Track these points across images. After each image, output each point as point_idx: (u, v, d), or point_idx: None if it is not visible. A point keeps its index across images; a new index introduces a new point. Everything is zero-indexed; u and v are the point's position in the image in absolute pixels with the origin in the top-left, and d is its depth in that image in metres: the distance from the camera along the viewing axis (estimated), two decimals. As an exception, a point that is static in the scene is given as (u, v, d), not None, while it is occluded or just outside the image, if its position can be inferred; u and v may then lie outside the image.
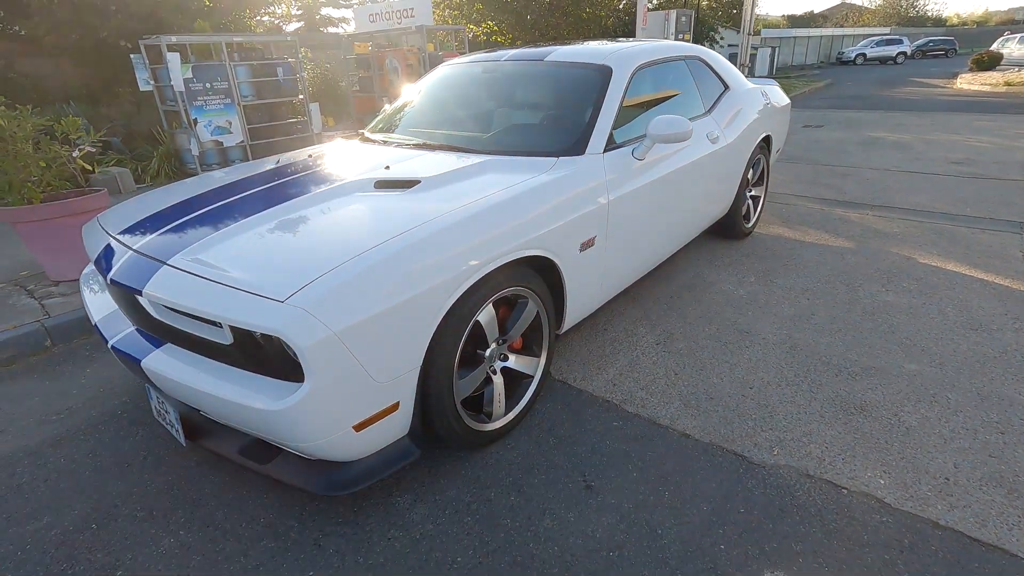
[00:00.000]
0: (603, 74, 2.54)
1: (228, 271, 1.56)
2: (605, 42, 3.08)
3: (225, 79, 6.34)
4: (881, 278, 3.37)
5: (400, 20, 6.74)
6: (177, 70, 5.79)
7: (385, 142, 2.66)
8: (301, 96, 7.24)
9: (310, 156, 2.54)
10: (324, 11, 15.89)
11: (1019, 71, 17.07)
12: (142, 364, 1.65)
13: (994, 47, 22.28)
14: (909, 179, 5.67)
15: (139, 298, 1.78)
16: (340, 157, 2.49)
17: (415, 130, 2.76)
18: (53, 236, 3.31)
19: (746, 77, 4.03)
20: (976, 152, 6.77)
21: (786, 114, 4.40)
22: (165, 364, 1.62)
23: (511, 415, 2.09)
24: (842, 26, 44.35)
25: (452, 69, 3.09)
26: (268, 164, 2.54)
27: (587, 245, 2.20)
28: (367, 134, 2.88)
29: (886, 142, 7.72)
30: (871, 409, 2.19)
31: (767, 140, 4.00)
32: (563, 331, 2.36)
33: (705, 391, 2.34)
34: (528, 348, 2.17)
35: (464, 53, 7.36)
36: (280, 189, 2.08)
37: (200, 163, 6.42)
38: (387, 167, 2.20)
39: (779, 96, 4.27)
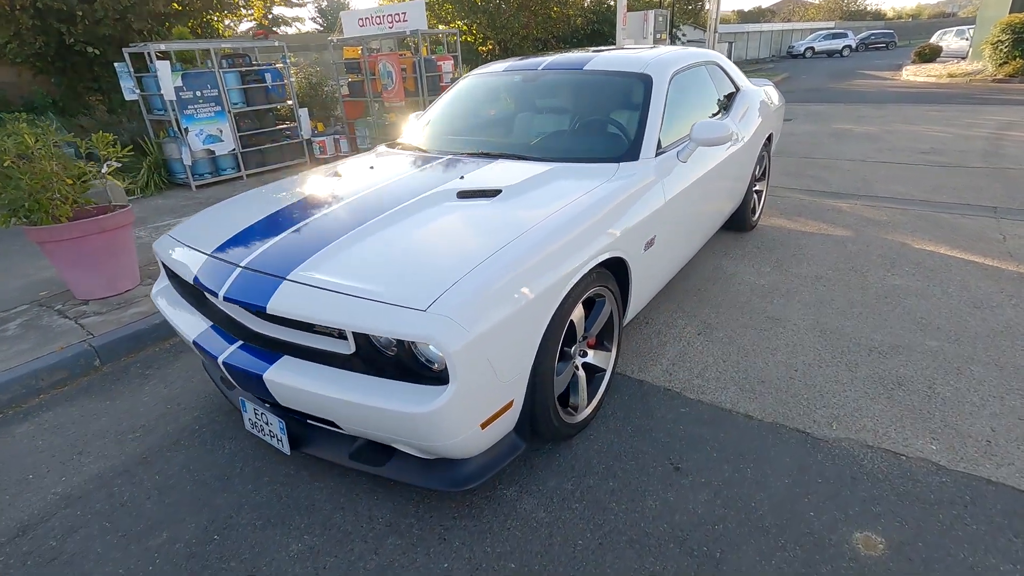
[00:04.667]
0: (645, 82, 2.69)
1: (354, 283, 1.63)
2: (635, 48, 3.23)
3: (215, 86, 6.22)
4: (884, 263, 3.65)
5: (392, 24, 6.75)
6: (168, 78, 5.66)
7: (441, 151, 2.74)
8: (289, 101, 7.15)
9: (372, 167, 2.60)
10: (277, 10, 15.45)
11: (958, 63, 18.17)
12: (264, 377, 1.71)
13: (933, 40, 23.64)
14: (885, 169, 6.06)
15: (246, 314, 1.84)
16: (404, 168, 2.56)
17: (466, 138, 2.86)
18: (83, 254, 3.25)
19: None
20: (939, 142, 7.26)
21: (781, 112, 4.66)
22: (291, 377, 1.68)
23: (590, 408, 2.22)
24: (790, 20, 46.21)
25: (489, 79, 3.18)
26: (330, 177, 2.59)
27: (649, 244, 2.35)
28: (415, 143, 2.94)
29: (855, 134, 8.18)
30: (908, 383, 2.41)
31: (769, 137, 4.25)
32: (623, 326, 2.50)
33: (755, 375, 2.53)
34: (600, 344, 2.31)
35: (456, 57, 7.42)
36: (364, 201, 2.15)
37: (191, 173, 6.29)
38: (461, 177, 2.30)
39: (776, 96, 4.52)
